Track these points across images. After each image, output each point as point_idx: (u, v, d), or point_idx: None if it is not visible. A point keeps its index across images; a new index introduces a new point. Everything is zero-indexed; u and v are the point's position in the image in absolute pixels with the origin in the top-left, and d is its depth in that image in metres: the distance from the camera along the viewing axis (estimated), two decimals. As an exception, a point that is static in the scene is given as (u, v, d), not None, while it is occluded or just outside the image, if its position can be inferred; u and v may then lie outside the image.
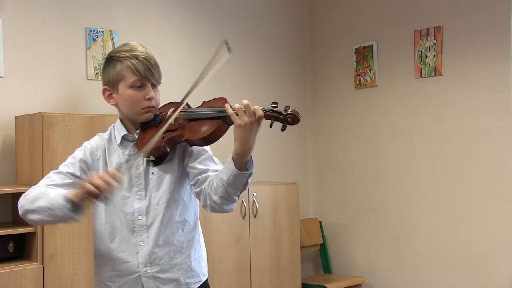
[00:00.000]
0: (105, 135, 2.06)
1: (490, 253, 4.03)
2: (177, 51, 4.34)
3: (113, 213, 1.95)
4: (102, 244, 1.97)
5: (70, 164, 2.00)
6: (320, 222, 4.97)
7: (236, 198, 1.83)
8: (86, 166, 2.01)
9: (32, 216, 1.88)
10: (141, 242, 1.93)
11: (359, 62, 4.80)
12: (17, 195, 3.34)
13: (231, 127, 1.81)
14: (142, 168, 1.95)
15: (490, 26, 4.03)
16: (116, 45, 3.96)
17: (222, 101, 1.86)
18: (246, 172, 1.77)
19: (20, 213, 1.93)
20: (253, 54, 4.79)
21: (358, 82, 4.81)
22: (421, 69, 4.39)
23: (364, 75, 4.76)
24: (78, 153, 2.03)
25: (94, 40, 3.88)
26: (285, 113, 1.73)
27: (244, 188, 1.81)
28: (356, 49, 4.82)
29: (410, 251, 4.48)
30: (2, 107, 3.50)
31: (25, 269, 3.12)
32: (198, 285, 2.00)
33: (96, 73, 3.88)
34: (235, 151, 1.76)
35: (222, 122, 1.80)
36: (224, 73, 4.53)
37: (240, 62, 4.68)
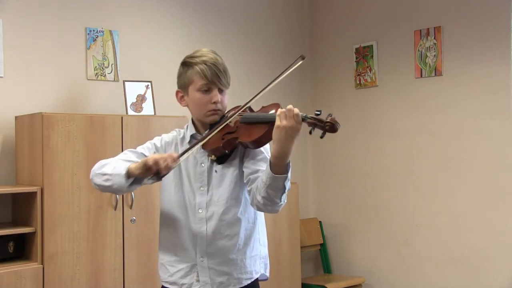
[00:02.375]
0: (181, 132, 2.20)
1: (490, 253, 4.03)
2: (177, 51, 4.34)
3: (181, 201, 2.09)
4: (169, 229, 2.12)
5: (147, 148, 2.15)
6: (320, 222, 4.97)
7: (278, 200, 1.89)
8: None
9: (96, 179, 2.04)
10: (200, 234, 2.05)
11: (359, 62, 4.80)
12: (17, 195, 3.37)
13: None
14: (206, 165, 2.08)
15: (490, 26, 4.03)
16: (116, 45, 3.97)
17: (276, 106, 1.99)
18: (281, 175, 1.84)
19: (90, 177, 2.09)
20: (253, 54, 4.79)
21: (358, 82, 4.81)
22: (421, 69, 4.39)
23: (364, 75, 4.76)
24: (156, 141, 2.18)
25: (94, 40, 3.88)
26: (324, 121, 1.78)
27: (284, 191, 1.88)
28: (356, 49, 4.82)
29: (410, 251, 4.48)
30: (2, 107, 3.50)
31: (25, 269, 3.12)
32: (249, 281, 2.11)
33: (96, 73, 3.88)
34: (272, 154, 1.84)
35: (271, 126, 1.86)
36: (224, 73, 4.53)
37: (240, 62, 4.68)
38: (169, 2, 4.32)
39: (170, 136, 2.18)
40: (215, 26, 4.57)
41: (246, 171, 2.03)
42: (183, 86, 2.12)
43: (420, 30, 4.38)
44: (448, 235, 4.25)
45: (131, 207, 3.50)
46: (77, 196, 3.30)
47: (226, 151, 2.02)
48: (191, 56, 2.11)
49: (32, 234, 3.22)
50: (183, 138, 2.16)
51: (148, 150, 2.13)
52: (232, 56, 4.66)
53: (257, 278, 2.15)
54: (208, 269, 2.05)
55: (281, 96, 4.91)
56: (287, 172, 1.86)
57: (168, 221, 2.12)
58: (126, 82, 3.77)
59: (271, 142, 1.90)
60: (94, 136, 3.38)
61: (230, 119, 2.00)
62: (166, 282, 2.12)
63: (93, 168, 2.07)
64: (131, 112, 3.72)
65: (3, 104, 3.51)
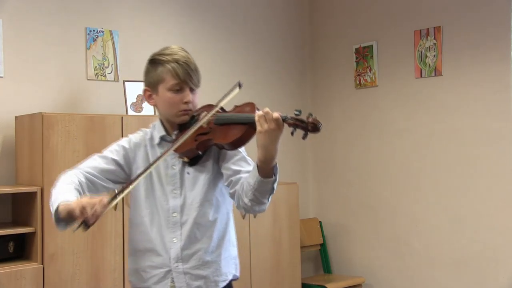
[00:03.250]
0: (148, 132, 2.12)
1: (490, 253, 4.03)
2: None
3: (152, 206, 2.03)
4: (140, 235, 2.04)
5: (115, 151, 2.07)
6: (320, 222, 4.97)
7: (266, 201, 1.88)
8: (128, 157, 2.08)
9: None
10: (174, 239, 1.99)
11: (359, 62, 4.80)
12: (17, 195, 3.37)
13: None
14: (178, 168, 2.02)
15: (490, 26, 4.03)
16: (116, 45, 3.96)
17: (251, 106, 1.94)
18: (270, 179, 1.81)
19: None
20: (253, 54, 4.79)
21: (358, 82, 4.81)
22: (421, 69, 4.39)
23: (364, 75, 4.76)
24: (124, 142, 2.10)
25: (94, 40, 3.88)
26: (306, 121, 1.76)
27: (272, 192, 1.86)
28: (356, 49, 4.82)
29: (410, 251, 4.48)
30: (2, 107, 3.50)
31: (25, 269, 3.12)
32: (225, 283, 2.06)
33: (96, 73, 3.88)
34: (258, 159, 1.80)
35: (249, 127, 1.84)
36: (225, 73, 4.53)
37: (240, 62, 4.68)
38: (169, 2, 4.32)
39: (138, 137, 2.11)
40: (215, 26, 4.57)
41: (226, 173, 1.98)
42: (152, 84, 2.04)
43: (420, 30, 4.38)
44: (448, 235, 4.25)
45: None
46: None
47: (200, 152, 1.97)
48: (160, 54, 2.03)
49: (32, 234, 3.22)
50: (151, 139, 2.09)
51: (116, 153, 2.05)
52: (232, 56, 4.66)
53: (231, 280, 2.10)
54: (183, 274, 1.99)
55: (281, 96, 4.93)
56: (275, 174, 1.83)
57: (139, 226, 2.04)
58: (126, 82, 3.77)
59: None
60: (94, 136, 3.37)
61: (204, 120, 1.93)
62: None
63: (59, 177, 1.98)
64: (131, 112, 3.72)
65: (3, 104, 3.51)
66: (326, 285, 4.41)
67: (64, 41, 3.77)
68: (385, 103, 4.64)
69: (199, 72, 2.04)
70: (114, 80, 3.95)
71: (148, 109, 3.79)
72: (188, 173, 2.01)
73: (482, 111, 4.08)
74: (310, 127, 1.75)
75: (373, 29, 4.72)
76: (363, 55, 4.76)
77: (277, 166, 1.84)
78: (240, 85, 1.94)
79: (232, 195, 1.98)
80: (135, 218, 2.07)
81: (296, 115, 1.78)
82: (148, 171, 1.92)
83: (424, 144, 4.39)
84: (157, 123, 2.10)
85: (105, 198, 1.77)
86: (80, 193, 1.90)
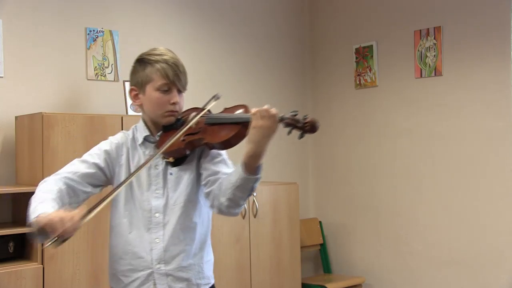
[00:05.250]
0: (129, 133, 2.10)
1: (490, 253, 4.03)
2: (177, 51, 4.32)
3: (132, 209, 2.00)
4: (119, 238, 2.01)
5: (95, 155, 2.04)
6: (320, 222, 4.97)
7: (243, 202, 1.87)
8: (110, 159, 2.05)
9: None
10: (156, 239, 1.96)
11: (359, 62, 4.80)
12: (17, 195, 3.36)
13: None
14: (161, 168, 2.00)
15: (490, 26, 4.03)
16: (116, 45, 3.96)
17: (243, 107, 1.93)
18: (254, 176, 1.81)
19: None
20: (253, 54, 4.79)
21: (358, 82, 4.81)
22: (421, 69, 4.39)
23: (364, 75, 4.76)
24: (104, 145, 2.07)
25: (94, 40, 3.88)
26: (303, 121, 1.77)
27: (250, 193, 1.85)
28: (356, 49, 4.82)
29: (410, 251, 4.48)
30: (2, 107, 3.50)
31: (25, 269, 3.12)
32: (207, 287, 2.05)
33: (96, 73, 3.88)
34: (247, 154, 1.79)
35: (242, 127, 1.85)
36: (225, 73, 4.53)
37: (240, 62, 4.68)
38: (169, 3, 4.32)
39: (119, 138, 2.08)
40: (214, 26, 4.57)
41: (205, 173, 1.96)
42: (139, 84, 2.02)
43: (420, 30, 4.38)
44: (448, 235, 4.25)
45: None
46: (77, 196, 3.30)
47: (187, 152, 1.96)
48: (149, 54, 2.02)
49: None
50: (133, 140, 2.07)
51: (97, 157, 2.02)
52: (231, 57, 4.66)
53: (213, 284, 2.09)
54: (166, 276, 1.96)
55: (281, 96, 4.93)
56: (258, 173, 1.83)
57: (117, 229, 2.02)
58: (126, 82, 3.77)
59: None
60: (94, 136, 3.37)
61: (194, 120, 1.93)
62: None
63: (38, 185, 1.94)
64: (131, 112, 3.72)
65: (3, 104, 3.51)
66: (326, 285, 4.41)
67: (64, 41, 3.77)
68: (385, 103, 4.64)
69: (187, 75, 2.04)
70: (114, 80, 3.95)
71: (148, 109, 3.78)
72: (171, 173, 1.99)
73: (482, 111, 4.08)
74: (307, 127, 1.77)
75: (373, 29, 4.72)
76: (363, 55, 4.76)
77: (262, 167, 1.84)
78: (217, 97, 1.99)
79: (207, 195, 1.96)
80: (113, 221, 2.04)
81: (292, 115, 1.79)
82: (131, 178, 1.90)
83: (424, 144, 4.39)
84: (139, 124, 2.08)
85: (77, 215, 1.70)
86: (58, 204, 1.84)
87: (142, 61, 2.03)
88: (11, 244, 3.21)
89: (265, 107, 1.78)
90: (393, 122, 4.59)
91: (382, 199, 4.66)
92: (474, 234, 4.11)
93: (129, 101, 3.74)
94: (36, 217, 1.72)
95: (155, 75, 1.98)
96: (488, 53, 4.04)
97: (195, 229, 2.00)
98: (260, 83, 4.81)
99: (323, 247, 4.94)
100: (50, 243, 1.68)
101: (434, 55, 4.30)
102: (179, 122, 2.00)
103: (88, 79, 3.86)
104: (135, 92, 2.05)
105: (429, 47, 4.33)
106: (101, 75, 3.90)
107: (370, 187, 4.74)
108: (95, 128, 3.39)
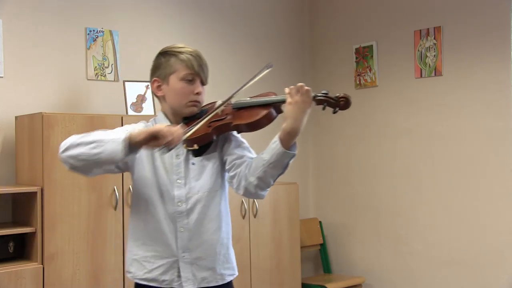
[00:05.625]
0: (149, 124, 2.10)
1: (490, 253, 4.03)
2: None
3: (158, 196, 2.00)
4: (145, 224, 2.02)
5: (120, 131, 2.01)
6: (320, 222, 4.97)
7: (272, 182, 1.90)
8: None
9: (73, 150, 1.88)
10: (181, 228, 1.99)
11: (359, 62, 4.80)
12: (17, 195, 3.36)
13: (279, 119, 1.91)
14: (182, 157, 2.02)
15: (490, 26, 4.03)
16: (116, 45, 3.97)
17: (269, 94, 1.99)
18: (291, 152, 1.84)
19: (61, 150, 1.91)
20: (253, 54, 4.79)
21: (358, 82, 4.81)
22: (421, 69, 4.39)
23: (364, 75, 4.76)
24: (127, 127, 2.07)
25: (94, 40, 3.88)
26: (336, 98, 1.86)
27: (283, 171, 1.89)
28: (356, 49, 4.82)
29: (410, 251, 4.48)
30: (2, 107, 3.50)
31: (25, 269, 3.12)
32: (232, 278, 2.07)
33: (96, 73, 3.88)
34: (284, 130, 1.83)
35: (272, 109, 1.90)
36: (224, 73, 4.53)
37: (240, 62, 4.68)
38: (169, 3, 4.32)
39: (140, 127, 2.07)
40: (214, 26, 4.57)
41: (230, 158, 1.99)
42: (162, 75, 2.04)
43: (420, 30, 4.38)
44: (448, 235, 4.25)
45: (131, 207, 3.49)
46: (77, 196, 3.30)
47: (214, 138, 1.97)
48: (172, 47, 2.07)
49: (32, 234, 3.22)
50: None
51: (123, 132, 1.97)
52: (231, 57, 4.66)
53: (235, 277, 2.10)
54: (190, 265, 1.98)
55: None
56: (295, 150, 1.87)
57: (143, 215, 2.02)
58: (126, 82, 3.77)
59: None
60: (94, 136, 3.37)
61: (221, 108, 1.96)
62: (143, 279, 2.01)
63: (64, 141, 1.91)
64: (131, 112, 3.72)
65: (3, 104, 3.51)
66: (326, 285, 4.41)
67: (64, 41, 3.77)
68: (385, 103, 4.64)
69: (208, 69, 2.08)
70: (114, 80, 3.95)
71: (148, 109, 3.79)
72: (193, 163, 2.01)
73: (482, 111, 4.08)
74: (342, 102, 1.86)
75: (373, 29, 4.72)
76: (363, 55, 4.76)
77: (297, 145, 1.88)
78: (270, 66, 2.05)
79: (232, 178, 1.98)
80: (138, 208, 2.05)
81: (324, 93, 1.88)
82: (213, 113, 1.94)
83: (424, 144, 4.39)
84: (159, 116, 2.10)
85: (180, 129, 1.85)
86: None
87: (165, 53, 2.07)
88: (11, 244, 3.21)
89: (299, 84, 1.85)
90: (393, 122, 4.59)
91: (382, 199, 4.66)
92: (474, 234, 4.11)
93: (129, 101, 3.74)
94: (131, 132, 1.82)
95: (180, 65, 2.01)
96: (488, 53, 4.04)
97: (219, 218, 2.03)
98: (260, 83, 4.79)
99: (323, 247, 4.94)
100: (158, 149, 1.83)
101: (434, 55, 4.30)
102: (201, 113, 2.02)
103: (88, 79, 3.86)
104: (158, 84, 2.06)
105: (429, 47, 4.33)
106: (101, 75, 3.90)
107: (370, 187, 4.74)
108: (95, 128, 3.34)
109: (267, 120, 1.91)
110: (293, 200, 4.40)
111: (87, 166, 1.90)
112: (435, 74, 4.31)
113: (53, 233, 3.21)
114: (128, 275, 2.08)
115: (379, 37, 4.68)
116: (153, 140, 1.79)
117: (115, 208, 3.44)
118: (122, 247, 3.45)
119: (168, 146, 1.80)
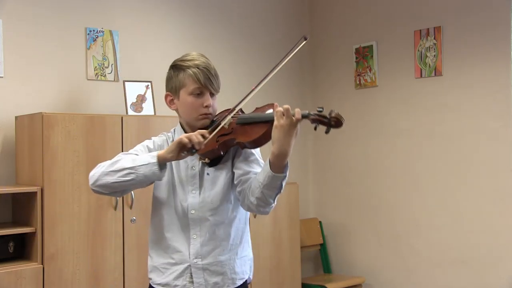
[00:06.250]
0: (169, 135, 2.19)
1: (490, 253, 4.03)
2: (177, 51, 4.32)
3: (173, 206, 2.08)
4: (159, 233, 2.10)
5: (139, 150, 2.12)
6: (320, 222, 4.97)
7: (272, 201, 1.93)
8: None
9: (106, 178, 1.97)
10: (194, 235, 2.05)
11: (359, 62, 4.80)
12: (17, 195, 3.37)
13: None
14: (197, 168, 2.08)
15: (490, 26, 4.03)
16: (116, 45, 3.97)
17: (272, 106, 1.99)
18: (280, 174, 1.86)
19: (91, 182, 2.01)
20: (253, 54, 4.79)
21: (358, 82, 4.81)
22: (421, 69, 4.39)
23: (364, 75, 4.76)
24: (148, 143, 2.16)
25: (94, 40, 3.88)
26: (329, 117, 1.82)
27: (279, 191, 1.91)
28: (356, 49, 4.82)
29: (410, 251, 4.48)
30: (2, 107, 3.50)
31: (25, 269, 3.12)
32: (242, 281, 2.11)
33: (96, 73, 3.88)
34: (272, 153, 1.85)
35: (270, 126, 1.88)
36: (224, 73, 4.52)
37: (240, 62, 4.68)
38: (169, 2, 4.32)
39: (161, 140, 2.17)
40: (214, 26, 4.57)
41: (237, 172, 2.03)
42: (173, 90, 2.11)
43: (420, 30, 4.38)
44: (448, 235, 4.25)
45: (131, 207, 3.50)
46: (77, 196, 3.30)
47: (222, 153, 2.03)
48: (182, 60, 2.11)
49: (32, 234, 3.22)
50: (173, 141, 2.13)
51: (141, 152, 2.10)
52: (231, 57, 4.66)
53: (246, 280, 2.15)
54: (202, 270, 2.05)
55: (280, 96, 4.92)
56: (285, 172, 1.88)
57: (158, 224, 2.11)
58: (126, 82, 3.77)
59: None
60: (94, 136, 3.38)
61: (225, 121, 2.00)
62: (159, 284, 2.10)
63: (94, 172, 2.01)
64: (131, 112, 3.72)
65: (3, 104, 3.51)
66: (326, 285, 4.41)
67: (64, 41, 3.77)
68: (385, 103, 4.64)
69: (219, 77, 2.13)
70: (114, 80, 3.95)
71: (148, 109, 3.79)
72: (208, 173, 2.07)
73: (482, 111, 4.08)
74: (333, 122, 1.82)
75: (373, 29, 4.72)
76: (363, 55, 4.76)
77: (288, 165, 1.89)
78: (305, 38, 2.06)
79: (239, 193, 2.03)
80: (155, 217, 2.13)
81: (318, 111, 1.83)
82: (237, 108, 2.01)
83: (424, 144, 4.39)
84: (178, 127, 2.17)
85: (203, 131, 1.94)
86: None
87: (175, 68, 2.12)
88: (11, 244, 3.21)
89: (286, 106, 1.82)
90: (393, 122, 4.59)
91: (382, 199, 4.66)
92: (474, 234, 4.11)
93: (129, 101, 3.74)
94: (158, 153, 1.93)
95: (188, 80, 2.06)
96: (488, 53, 4.04)
97: (231, 225, 2.07)
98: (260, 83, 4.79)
99: (323, 247, 4.94)
100: (185, 153, 1.91)
101: (434, 55, 4.30)
102: (213, 124, 2.06)
103: (88, 79, 3.86)
104: (171, 98, 2.14)
105: (429, 47, 4.33)
106: (101, 75, 3.90)
107: (370, 187, 4.74)
108: (95, 128, 3.39)
109: (266, 137, 1.93)
110: (293, 200, 4.40)
111: (129, 187, 2.01)
112: (435, 74, 4.31)
113: (53, 233, 3.21)
114: (149, 281, 2.16)
115: (379, 37, 4.68)
116: (181, 150, 1.90)
117: (115, 208, 3.44)
118: (122, 247, 3.45)
119: (193, 148, 1.90)
